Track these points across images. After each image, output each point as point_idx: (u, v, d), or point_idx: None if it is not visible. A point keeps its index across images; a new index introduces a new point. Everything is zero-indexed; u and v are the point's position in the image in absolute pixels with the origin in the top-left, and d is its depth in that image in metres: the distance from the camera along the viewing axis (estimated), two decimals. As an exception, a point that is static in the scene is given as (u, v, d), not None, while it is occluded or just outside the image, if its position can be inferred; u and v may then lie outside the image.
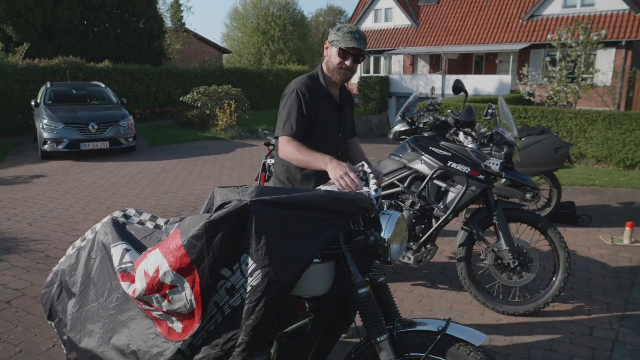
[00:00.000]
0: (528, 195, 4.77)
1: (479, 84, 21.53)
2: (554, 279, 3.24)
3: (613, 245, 4.71)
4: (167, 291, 1.72)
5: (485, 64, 23.41)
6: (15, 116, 12.83)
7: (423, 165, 3.33)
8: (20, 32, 15.82)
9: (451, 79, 21.38)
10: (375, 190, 1.85)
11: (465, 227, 3.30)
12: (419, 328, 1.70)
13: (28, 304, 3.47)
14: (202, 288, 1.67)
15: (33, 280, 3.87)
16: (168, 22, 24.64)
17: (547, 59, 15.32)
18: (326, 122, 2.54)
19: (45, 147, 9.31)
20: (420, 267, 3.96)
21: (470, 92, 19.38)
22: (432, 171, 3.23)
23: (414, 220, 3.41)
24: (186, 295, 1.69)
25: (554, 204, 5.21)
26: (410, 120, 4.70)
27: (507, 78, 20.88)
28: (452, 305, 3.44)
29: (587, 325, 3.15)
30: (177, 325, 1.78)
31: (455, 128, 3.49)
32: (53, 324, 2.33)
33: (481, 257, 3.32)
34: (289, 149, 2.37)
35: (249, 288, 1.61)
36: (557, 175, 7.30)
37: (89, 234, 2.28)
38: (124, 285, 1.88)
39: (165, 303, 1.74)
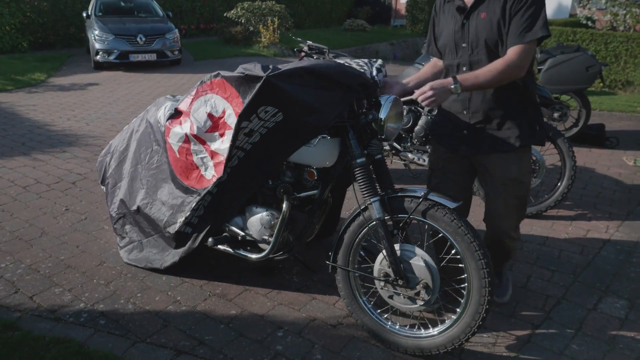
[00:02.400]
0: (556, 115, 4.87)
1: (535, 6, 20.18)
2: (558, 184, 3.46)
3: (634, 166, 4.80)
4: (226, 131, 2.18)
5: (545, -16, 21.77)
6: (68, 28, 13.36)
7: (442, 73, 3.50)
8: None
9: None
10: (378, 71, 2.13)
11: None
12: (406, 194, 2.03)
13: (90, 185, 4.04)
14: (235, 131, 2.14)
15: (92, 168, 4.44)
16: None
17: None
18: (445, 31, 2.19)
19: (98, 57, 9.82)
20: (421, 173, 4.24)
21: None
22: (450, 78, 3.41)
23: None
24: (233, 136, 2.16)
25: (581, 125, 5.26)
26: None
27: (566, 1, 19.48)
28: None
29: (584, 229, 3.41)
30: (209, 172, 2.21)
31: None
32: (104, 189, 2.86)
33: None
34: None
35: (271, 125, 2.08)
36: (598, 100, 7.18)
37: (141, 114, 2.74)
38: (176, 129, 2.37)
39: (218, 142, 2.22)
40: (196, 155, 2.33)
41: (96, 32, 9.85)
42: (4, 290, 2.57)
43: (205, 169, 2.30)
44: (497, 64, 1.98)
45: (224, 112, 2.17)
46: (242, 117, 2.04)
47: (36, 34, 12.68)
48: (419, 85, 2.12)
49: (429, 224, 2.00)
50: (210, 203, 2.39)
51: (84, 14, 10.91)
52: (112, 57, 9.83)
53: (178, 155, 2.41)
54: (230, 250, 2.54)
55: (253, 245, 2.54)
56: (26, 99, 7.35)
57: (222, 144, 2.23)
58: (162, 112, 2.49)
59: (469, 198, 2.45)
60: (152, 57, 10.07)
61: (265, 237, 2.43)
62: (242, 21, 14.21)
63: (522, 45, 1.95)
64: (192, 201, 2.38)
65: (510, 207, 2.26)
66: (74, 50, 12.65)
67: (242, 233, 2.50)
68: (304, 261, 2.80)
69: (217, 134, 2.23)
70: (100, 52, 9.78)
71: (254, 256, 2.47)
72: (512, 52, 1.97)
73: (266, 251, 2.41)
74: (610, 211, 3.70)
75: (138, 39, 9.95)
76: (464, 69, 2.12)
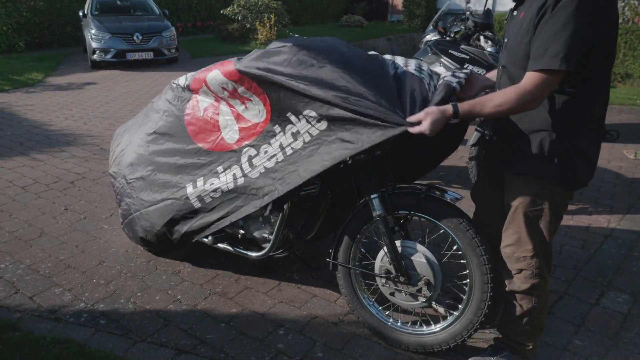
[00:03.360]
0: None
1: None
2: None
3: (635, 159, 4.79)
4: (246, 100, 2.19)
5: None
6: (65, 28, 13.30)
7: (441, 67, 3.49)
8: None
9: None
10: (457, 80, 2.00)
11: (478, 129, 3.50)
12: (406, 190, 2.02)
13: (88, 185, 4.02)
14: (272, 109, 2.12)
15: (91, 167, 4.42)
16: None
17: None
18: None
19: (95, 56, 9.77)
20: (437, 168, 4.23)
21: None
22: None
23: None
24: (260, 109, 2.14)
25: (581, 118, 5.24)
26: (442, 30, 4.75)
27: (564, -6, 19.40)
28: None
29: (585, 223, 3.39)
30: (233, 136, 2.24)
31: (477, 33, 3.58)
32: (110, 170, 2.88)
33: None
34: None
35: (315, 132, 2.00)
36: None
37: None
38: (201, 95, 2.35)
39: (242, 108, 2.21)
40: (223, 115, 2.28)
41: (93, 31, 9.81)
42: (4, 291, 2.56)
43: (228, 132, 2.27)
44: (508, 94, 1.61)
45: (234, 88, 2.19)
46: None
47: (33, 33, 12.62)
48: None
49: (430, 220, 1.99)
50: (228, 194, 2.30)
51: (80, 13, 10.86)
52: (109, 56, 9.78)
53: (202, 114, 2.34)
54: (230, 248, 2.53)
55: (253, 243, 2.53)
56: (24, 98, 7.32)
57: (247, 111, 2.20)
58: (183, 78, 2.45)
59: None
60: (149, 55, 10.02)
61: (265, 235, 2.42)
62: (239, 18, 14.16)
63: (538, 74, 1.55)
64: (207, 164, 2.34)
65: (506, 239, 1.89)
66: (70, 50, 12.59)
67: (241, 231, 2.49)
68: (305, 259, 2.79)
69: (238, 100, 2.21)
70: (97, 51, 9.73)
71: (254, 254, 2.46)
72: (527, 78, 1.58)
73: (266, 249, 2.39)
74: (611, 205, 3.69)
75: (135, 38, 9.90)
76: (500, 70, 1.83)
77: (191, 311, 2.42)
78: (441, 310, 2.29)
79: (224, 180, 2.30)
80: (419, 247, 2.04)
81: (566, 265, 2.85)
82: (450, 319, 2.06)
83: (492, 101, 1.64)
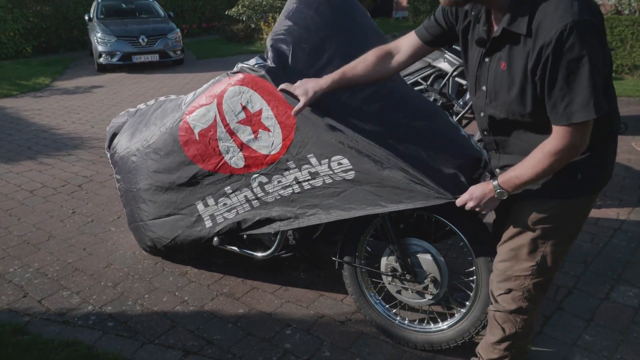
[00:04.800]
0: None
1: (539, -7, 19.98)
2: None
3: (644, 151, 4.73)
4: (260, 130, 2.09)
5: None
6: (71, 32, 13.41)
7: (445, 63, 3.47)
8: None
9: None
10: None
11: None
12: None
13: (96, 187, 4.05)
14: (293, 145, 2.03)
15: (98, 170, 4.45)
16: None
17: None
18: (470, 55, 1.61)
19: (101, 59, 9.84)
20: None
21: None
22: (453, 68, 3.37)
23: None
24: (274, 142, 2.06)
25: (589, 111, 5.18)
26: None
27: (571, -14, 19.21)
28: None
29: (593, 217, 3.35)
30: (238, 162, 2.18)
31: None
32: (109, 154, 2.86)
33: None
34: None
35: (338, 179, 1.95)
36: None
37: (161, 98, 2.80)
38: (202, 110, 2.21)
39: (249, 136, 2.11)
40: (222, 142, 2.20)
41: (99, 35, 9.87)
42: (13, 295, 2.58)
43: (231, 158, 2.20)
44: (542, 157, 1.42)
45: (260, 111, 2.05)
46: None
47: (40, 38, 12.75)
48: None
49: (434, 216, 1.97)
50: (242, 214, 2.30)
51: (86, 17, 10.95)
52: (115, 59, 9.84)
53: (198, 138, 2.24)
54: (236, 249, 2.53)
55: (259, 243, 2.52)
56: (31, 103, 7.39)
57: (255, 142, 2.10)
58: (191, 95, 2.37)
59: None
60: (155, 57, 10.08)
61: (271, 235, 2.42)
62: (244, 19, 14.17)
63: (569, 128, 1.36)
64: (213, 184, 2.30)
65: (502, 254, 1.70)
66: (77, 54, 12.69)
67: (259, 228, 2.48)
68: (311, 258, 2.79)
69: (249, 128, 2.10)
70: (103, 55, 9.80)
71: (260, 254, 2.46)
72: (559, 134, 1.38)
73: (272, 249, 2.39)
74: (620, 198, 3.65)
75: (140, 40, 9.95)
76: (481, 114, 1.60)
77: (198, 312, 2.42)
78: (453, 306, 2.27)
79: (236, 201, 2.27)
80: (425, 244, 2.03)
81: (575, 259, 2.82)
82: (457, 316, 2.04)
83: (530, 171, 1.46)
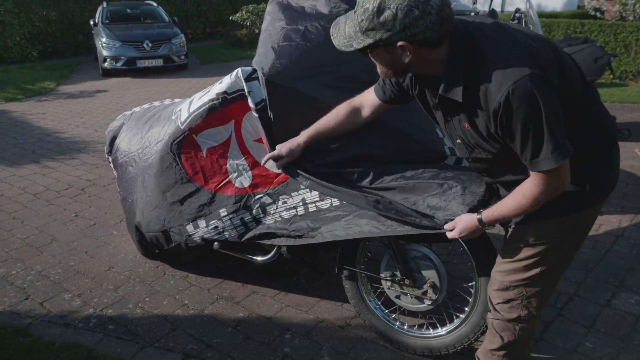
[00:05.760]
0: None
1: (542, 0, 20.02)
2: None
3: (647, 158, 4.72)
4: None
5: (553, -23, 21.54)
6: (76, 37, 13.51)
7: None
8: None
9: (512, -6, 19.91)
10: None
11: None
12: None
13: (99, 191, 4.07)
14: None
15: (101, 174, 4.47)
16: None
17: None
18: (440, 126, 1.66)
19: (105, 64, 9.90)
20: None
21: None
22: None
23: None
24: None
25: (592, 118, 5.18)
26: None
27: (575, -8, 19.23)
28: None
29: (596, 223, 3.33)
30: (244, 181, 2.17)
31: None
32: (110, 158, 2.87)
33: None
34: None
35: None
36: (609, 92, 7.07)
37: (156, 103, 2.79)
38: (217, 129, 2.19)
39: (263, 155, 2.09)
40: (231, 160, 2.18)
41: (103, 40, 9.94)
42: (15, 297, 2.60)
43: (237, 177, 2.18)
44: (522, 199, 1.45)
45: None
46: None
47: (45, 43, 12.84)
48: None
49: None
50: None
51: (91, 22, 11.01)
52: (119, 64, 9.90)
53: (205, 155, 2.21)
54: (236, 253, 2.53)
55: (259, 247, 2.53)
56: (36, 107, 7.44)
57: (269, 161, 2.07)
58: (185, 111, 2.29)
59: None
60: (159, 62, 10.13)
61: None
62: (248, 24, 14.25)
63: (542, 174, 1.38)
64: (208, 204, 2.27)
65: (500, 264, 1.69)
66: (82, 58, 12.77)
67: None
68: (311, 262, 2.79)
69: (264, 146, 2.09)
70: (108, 59, 9.86)
71: (260, 258, 2.46)
72: (535, 180, 1.41)
73: (272, 253, 2.40)
74: (622, 205, 3.64)
75: (145, 45, 10.01)
76: (470, 160, 1.64)
77: (198, 316, 2.43)
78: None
79: (230, 224, 2.26)
80: (425, 249, 2.03)
81: (576, 266, 2.81)
82: (456, 321, 2.04)
83: (512, 209, 1.49)
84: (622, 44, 8.50)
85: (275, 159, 1.96)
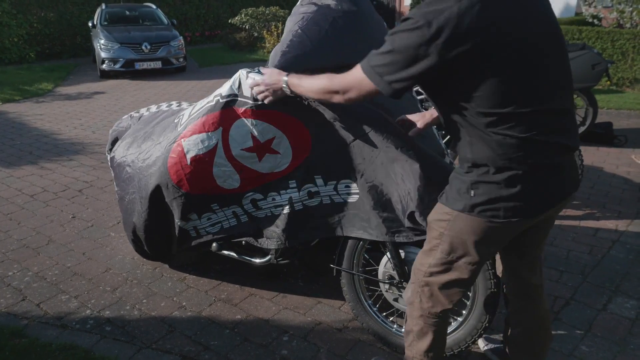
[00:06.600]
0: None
1: (540, 6, 20.12)
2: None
3: (643, 164, 4.74)
4: (267, 154, 2.09)
5: (550, -17, 21.66)
6: (74, 38, 13.51)
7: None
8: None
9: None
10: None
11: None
12: None
13: (96, 193, 4.06)
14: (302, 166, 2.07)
15: (99, 175, 4.46)
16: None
17: (617, -24, 14.06)
18: None
19: (104, 66, 9.90)
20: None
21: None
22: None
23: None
24: (281, 162, 2.09)
25: (588, 123, 5.21)
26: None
27: (572, 0, 19.39)
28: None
29: (592, 228, 3.36)
30: (232, 183, 2.18)
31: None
32: (109, 157, 2.87)
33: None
34: None
35: (338, 201, 2.05)
36: (606, 99, 7.11)
37: (164, 106, 2.78)
38: (201, 136, 2.14)
39: (253, 160, 2.11)
40: (218, 167, 2.17)
41: (102, 41, 9.94)
42: (12, 298, 2.59)
43: (225, 181, 2.19)
44: (322, 79, 1.60)
45: (272, 139, 2.05)
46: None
47: (43, 44, 12.84)
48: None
49: None
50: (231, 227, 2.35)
51: (90, 24, 11.03)
52: (117, 66, 9.90)
53: (189, 163, 2.18)
54: (234, 254, 2.53)
55: (257, 249, 2.53)
56: (33, 108, 7.43)
57: (258, 164, 2.11)
58: (186, 114, 2.30)
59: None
60: (158, 64, 10.14)
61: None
62: (247, 27, 14.28)
63: (354, 72, 1.49)
64: (199, 202, 2.30)
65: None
66: (80, 60, 12.77)
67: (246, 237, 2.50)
68: (309, 265, 2.79)
69: (255, 154, 2.09)
70: (106, 61, 9.86)
71: (258, 260, 2.46)
72: (348, 74, 1.52)
73: (270, 255, 2.40)
74: (619, 210, 3.66)
75: (143, 47, 10.02)
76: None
77: (196, 318, 2.42)
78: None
79: (223, 216, 2.31)
80: None
81: (573, 270, 2.82)
82: (453, 324, 2.04)
83: (310, 88, 1.66)
84: (619, 51, 8.55)
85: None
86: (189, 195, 2.29)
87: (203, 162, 2.16)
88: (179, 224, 2.39)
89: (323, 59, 1.96)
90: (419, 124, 1.95)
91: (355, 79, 1.47)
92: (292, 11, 2.11)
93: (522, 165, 1.39)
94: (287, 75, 1.76)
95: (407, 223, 1.87)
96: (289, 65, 1.90)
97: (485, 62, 1.31)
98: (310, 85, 1.65)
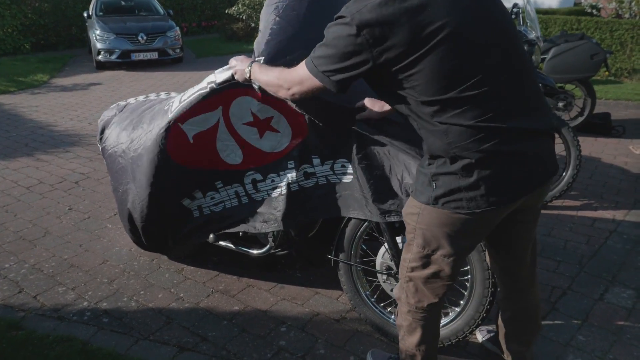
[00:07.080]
0: (560, 104, 4.81)
1: (539, -4, 20.04)
2: (563, 174, 3.43)
3: (641, 154, 4.74)
4: (267, 132, 2.12)
5: (548, -27, 21.56)
6: (70, 29, 13.39)
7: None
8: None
9: (508, -10, 19.87)
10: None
11: None
12: None
13: (93, 184, 4.05)
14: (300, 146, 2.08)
15: (95, 167, 4.44)
16: None
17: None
18: None
19: (99, 57, 9.82)
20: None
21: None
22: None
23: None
24: (281, 141, 2.10)
25: (586, 114, 5.20)
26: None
27: (570, -11, 19.27)
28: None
29: (590, 218, 3.37)
30: (235, 158, 2.20)
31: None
32: (100, 146, 2.85)
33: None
34: None
35: (334, 180, 2.06)
36: (604, 89, 7.10)
37: (152, 95, 2.75)
38: (201, 117, 2.17)
39: (254, 137, 2.14)
40: (221, 142, 2.21)
41: (97, 32, 9.86)
42: (8, 290, 2.58)
43: (228, 156, 2.22)
44: (275, 73, 1.63)
45: (271, 118, 2.08)
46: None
47: (38, 35, 12.72)
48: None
49: None
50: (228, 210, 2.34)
51: (85, 14, 10.92)
52: (113, 57, 9.83)
53: (192, 141, 2.20)
54: (231, 246, 2.53)
55: (255, 240, 2.53)
56: (29, 100, 7.37)
57: (259, 141, 2.14)
58: (177, 101, 2.28)
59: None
60: (154, 55, 10.06)
61: (267, 233, 2.42)
62: (244, 17, 14.17)
63: (299, 68, 1.51)
64: (203, 179, 2.30)
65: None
66: (76, 51, 12.67)
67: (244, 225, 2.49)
68: (307, 256, 2.79)
69: (255, 129, 2.13)
70: (102, 52, 9.78)
71: (255, 252, 2.46)
72: (293, 70, 1.55)
73: (268, 246, 2.39)
74: (616, 200, 3.66)
75: (139, 38, 9.94)
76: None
77: (194, 309, 2.42)
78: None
79: (226, 195, 2.31)
80: None
81: (570, 260, 2.83)
82: (451, 315, 2.05)
83: (266, 79, 1.70)
84: (617, 41, 8.52)
85: None
86: (194, 172, 2.29)
87: (206, 138, 2.20)
88: (184, 203, 2.37)
89: (307, 43, 1.95)
90: (377, 108, 1.87)
91: (300, 75, 1.51)
92: (265, 3, 2.10)
93: (474, 154, 1.35)
94: (252, 63, 1.77)
95: (405, 201, 1.84)
96: (274, 52, 1.89)
97: (415, 51, 1.30)
98: (264, 76, 1.68)
